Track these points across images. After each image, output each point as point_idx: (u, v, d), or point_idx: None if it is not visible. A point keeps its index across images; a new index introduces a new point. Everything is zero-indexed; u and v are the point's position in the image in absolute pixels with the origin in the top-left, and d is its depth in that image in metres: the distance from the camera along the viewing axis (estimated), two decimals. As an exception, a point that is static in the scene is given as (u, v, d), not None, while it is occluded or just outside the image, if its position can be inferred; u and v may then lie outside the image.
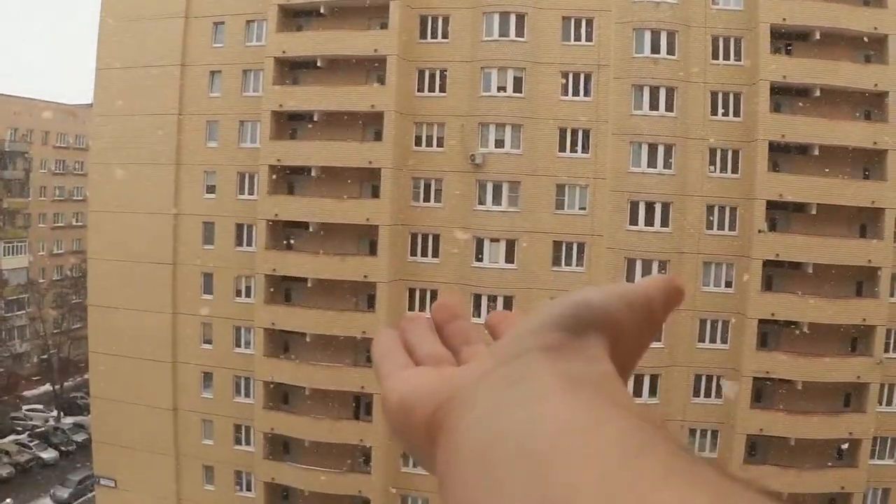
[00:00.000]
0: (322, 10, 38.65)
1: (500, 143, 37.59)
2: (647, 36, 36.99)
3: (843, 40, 36.04)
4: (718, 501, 0.38)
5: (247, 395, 39.59)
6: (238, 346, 39.78)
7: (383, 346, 0.71)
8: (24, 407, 62.06)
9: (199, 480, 40.24)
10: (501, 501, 0.43)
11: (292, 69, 39.27)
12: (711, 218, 37.11)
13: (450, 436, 0.52)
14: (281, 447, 39.19)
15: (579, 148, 37.50)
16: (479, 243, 37.61)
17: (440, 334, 0.74)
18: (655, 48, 36.98)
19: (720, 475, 0.41)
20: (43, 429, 59.56)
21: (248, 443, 39.68)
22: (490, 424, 0.49)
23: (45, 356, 65.58)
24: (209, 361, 39.66)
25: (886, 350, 36.43)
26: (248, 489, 39.88)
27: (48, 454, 56.29)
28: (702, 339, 36.58)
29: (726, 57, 37.17)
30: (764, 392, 36.65)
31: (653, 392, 36.25)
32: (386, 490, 37.87)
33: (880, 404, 36.42)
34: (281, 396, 39.16)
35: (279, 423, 38.32)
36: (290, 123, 39.41)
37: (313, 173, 38.28)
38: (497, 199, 37.58)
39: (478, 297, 37.33)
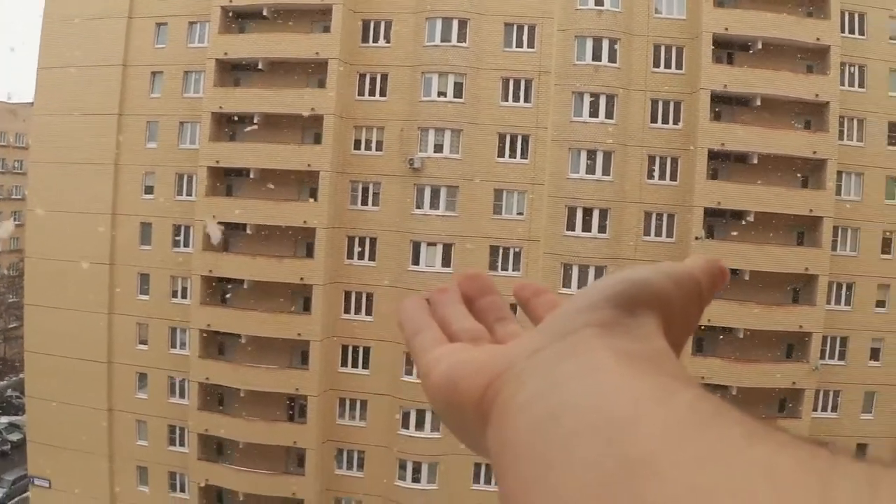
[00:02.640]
0: (265, 13, 38.58)
1: (439, 148, 37.60)
2: (589, 43, 37.16)
3: (785, 50, 36.25)
4: (803, 462, 0.38)
5: (182, 396, 39.37)
6: (174, 347, 39.53)
7: (414, 319, 0.67)
8: (-42, 407, 61.43)
9: (134, 481, 39.98)
10: (577, 466, 0.41)
11: (234, 71, 39.20)
12: (649, 224, 37.22)
13: (505, 410, 0.49)
14: (215, 449, 39.05)
15: (518, 153, 37.57)
16: (416, 247, 37.58)
17: (470, 309, 0.70)
18: (597, 56, 37.14)
19: (800, 439, 0.40)
20: (-24, 428, 58.79)
21: (182, 444, 39.48)
22: (554, 395, 0.47)
23: (-21, 355, 65.13)
24: (144, 362, 39.46)
25: (822, 356, 36.61)
26: (182, 490, 39.62)
27: (-19, 454, 55.48)
28: (637, 345, 36.49)
29: (668, 65, 37.39)
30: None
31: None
32: (320, 492, 37.73)
33: (815, 410, 36.57)
34: (216, 398, 38.99)
35: (213, 425, 38.06)
36: (229, 125, 39.35)
37: (252, 175, 38.25)
38: (435, 203, 37.55)
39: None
